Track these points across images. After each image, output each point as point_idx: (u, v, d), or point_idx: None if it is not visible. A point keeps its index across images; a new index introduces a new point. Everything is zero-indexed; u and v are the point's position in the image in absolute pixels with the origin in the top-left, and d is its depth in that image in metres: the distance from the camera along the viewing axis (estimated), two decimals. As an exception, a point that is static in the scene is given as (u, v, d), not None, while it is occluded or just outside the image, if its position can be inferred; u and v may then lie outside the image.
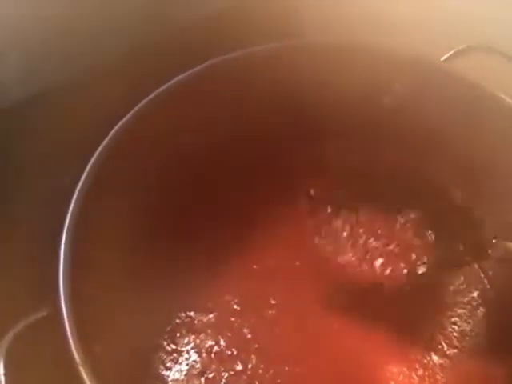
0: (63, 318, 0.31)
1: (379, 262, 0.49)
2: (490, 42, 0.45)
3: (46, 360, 0.32)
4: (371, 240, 0.50)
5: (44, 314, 0.32)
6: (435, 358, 0.44)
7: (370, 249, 0.50)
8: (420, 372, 0.43)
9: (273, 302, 0.47)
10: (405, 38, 0.48)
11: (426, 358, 0.44)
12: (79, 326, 0.31)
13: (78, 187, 0.36)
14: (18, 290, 0.39)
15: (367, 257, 0.49)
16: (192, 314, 0.46)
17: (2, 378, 0.29)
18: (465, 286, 0.48)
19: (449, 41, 0.47)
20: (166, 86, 0.43)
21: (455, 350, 0.44)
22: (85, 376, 0.28)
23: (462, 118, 0.45)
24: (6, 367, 0.29)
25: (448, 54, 0.46)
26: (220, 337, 0.45)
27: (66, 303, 0.31)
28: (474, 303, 0.47)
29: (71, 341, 0.30)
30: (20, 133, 0.46)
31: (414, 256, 0.49)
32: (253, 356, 0.44)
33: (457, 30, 0.49)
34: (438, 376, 0.43)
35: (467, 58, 0.46)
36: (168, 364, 0.44)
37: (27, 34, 0.45)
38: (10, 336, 0.30)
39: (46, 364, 0.33)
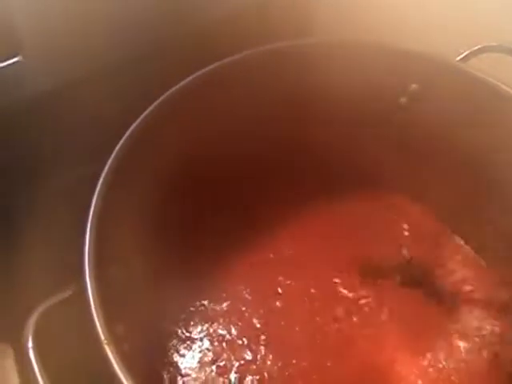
0: (88, 298, 0.32)
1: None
2: (505, 42, 0.45)
3: (71, 336, 0.33)
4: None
5: (70, 293, 0.33)
6: (448, 359, 0.44)
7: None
8: (431, 372, 0.44)
9: (280, 291, 0.47)
10: (420, 37, 0.48)
11: (437, 358, 0.44)
12: (102, 306, 0.32)
13: (102, 176, 0.37)
14: (45, 270, 0.40)
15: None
16: (206, 302, 0.47)
17: (31, 351, 0.30)
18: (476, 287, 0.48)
19: (464, 40, 0.47)
20: (180, 84, 0.44)
21: (468, 351, 0.45)
22: (109, 352, 0.29)
23: (477, 117, 0.45)
24: (33, 341, 0.30)
25: (464, 54, 0.46)
26: (231, 326, 0.46)
27: (90, 284, 0.32)
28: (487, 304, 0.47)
29: (96, 319, 0.31)
30: (37, 127, 0.46)
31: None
32: (262, 347, 0.45)
33: (472, 30, 0.49)
34: (452, 377, 0.43)
35: (483, 58, 0.46)
36: (182, 351, 0.45)
37: (39, 32, 0.45)
38: (38, 312, 0.31)
39: (71, 339, 0.34)
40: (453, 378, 0.43)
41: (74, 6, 0.45)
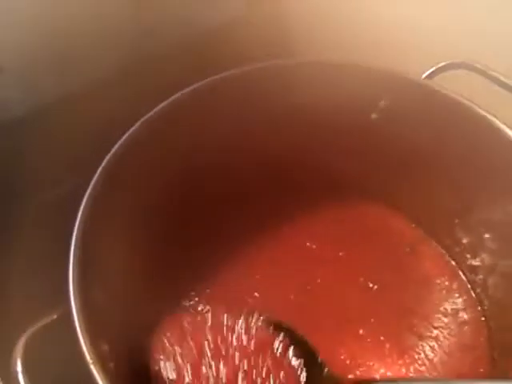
0: (73, 320, 0.33)
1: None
2: (468, 59, 0.47)
3: (59, 358, 0.34)
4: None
5: (55, 316, 0.34)
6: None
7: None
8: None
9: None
10: (388, 55, 0.50)
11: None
12: (87, 326, 0.33)
13: (86, 195, 0.38)
14: (31, 294, 0.41)
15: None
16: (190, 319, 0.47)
17: (20, 376, 0.31)
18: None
19: (430, 58, 0.49)
20: (163, 103, 0.45)
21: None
22: (95, 372, 0.30)
23: (442, 130, 0.47)
24: (23, 365, 0.31)
25: (429, 71, 0.48)
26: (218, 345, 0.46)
27: (75, 306, 0.33)
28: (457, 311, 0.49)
29: (81, 340, 0.32)
30: (21, 147, 0.47)
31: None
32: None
33: (438, 47, 0.51)
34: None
35: (448, 75, 0.48)
36: (168, 368, 0.45)
37: (25, 49, 0.46)
38: (26, 336, 0.32)
39: (59, 361, 0.34)
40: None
41: (47, 31, 0.46)
